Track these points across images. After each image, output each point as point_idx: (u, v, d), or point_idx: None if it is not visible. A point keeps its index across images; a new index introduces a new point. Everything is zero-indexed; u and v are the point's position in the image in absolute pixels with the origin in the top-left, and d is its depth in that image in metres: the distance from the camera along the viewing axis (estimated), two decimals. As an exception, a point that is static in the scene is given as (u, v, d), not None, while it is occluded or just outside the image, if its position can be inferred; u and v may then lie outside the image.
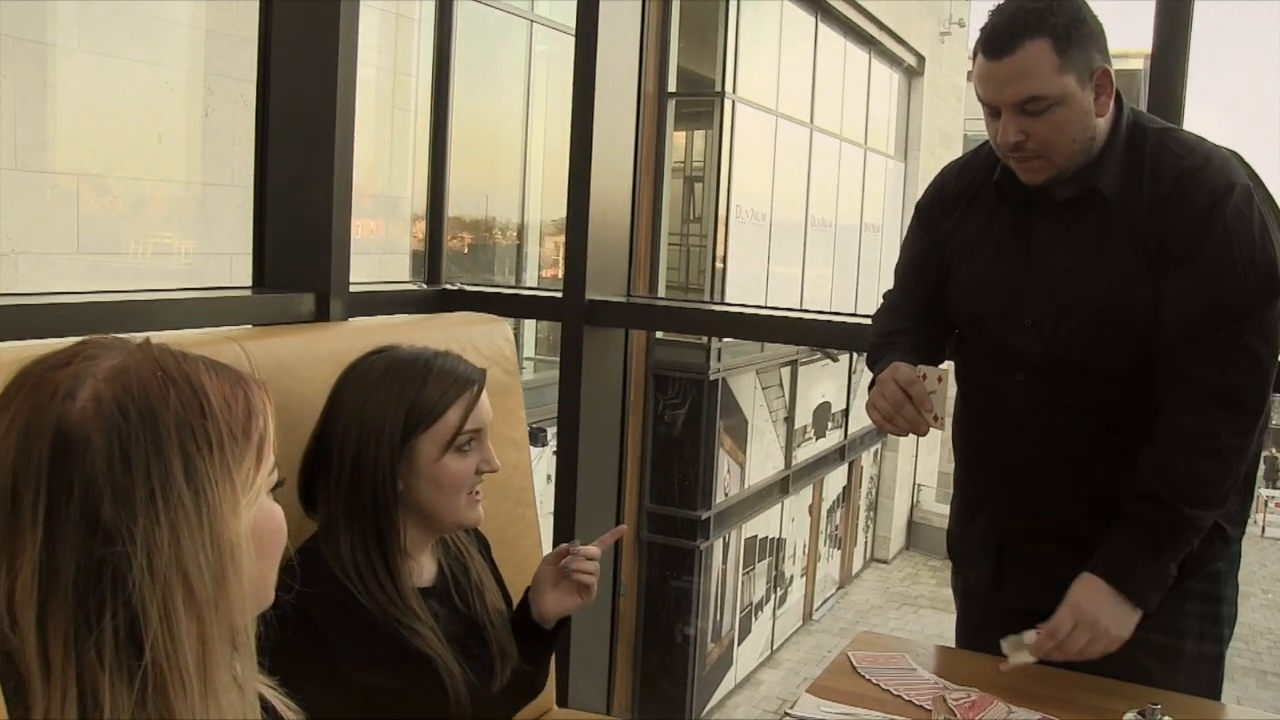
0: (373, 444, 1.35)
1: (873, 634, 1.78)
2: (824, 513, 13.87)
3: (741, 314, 2.69)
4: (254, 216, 2.27)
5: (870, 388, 1.70)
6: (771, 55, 11.12)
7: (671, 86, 9.82)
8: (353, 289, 2.29)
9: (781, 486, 12.20)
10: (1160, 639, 1.63)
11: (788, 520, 12.56)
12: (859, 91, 13.44)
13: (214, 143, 4.76)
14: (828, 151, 12.53)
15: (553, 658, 1.85)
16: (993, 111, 1.56)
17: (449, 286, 2.71)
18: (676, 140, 10.83)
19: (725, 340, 9.46)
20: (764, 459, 11.75)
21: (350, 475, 1.36)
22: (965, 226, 1.71)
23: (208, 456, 0.80)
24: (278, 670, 1.21)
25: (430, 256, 2.81)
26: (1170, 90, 1.89)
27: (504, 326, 2.04)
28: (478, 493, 1.42)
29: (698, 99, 10.44)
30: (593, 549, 1.49)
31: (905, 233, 1.84)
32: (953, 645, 1.84)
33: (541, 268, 8.82)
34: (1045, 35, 1.49)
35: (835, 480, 14.27)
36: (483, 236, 8.59)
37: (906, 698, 1.48)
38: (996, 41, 1.52)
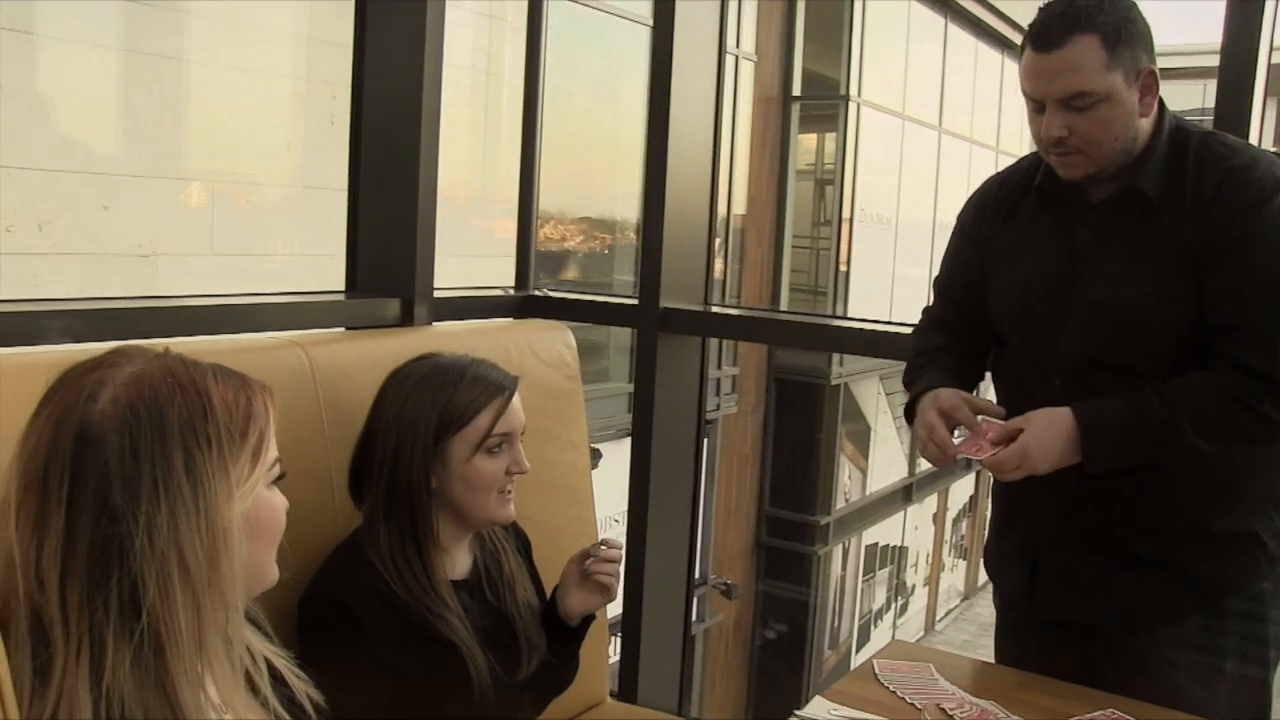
0: (409, 444, 1.45)
1: (905, 644, 1.80)
2: (949, 522, 13.60)
3: (821, 325, 2.71)
4: (347, 223, 2.41)
5: (906, 409, 1.73)
6: (899, 58, 10.97)
7: (796, 90, 9.79)
8: (439, 294, 2.39)
9: (904, 494, 12.04)
10: (1198, 659, 1.61)
11: (910, 528, 12.38)
12: (991, 94, 13.13)
13: (339, 150, 5.00)
14: (957, 155, 12.29)
15: (599, 653, 1.92)
16: (1037, 106, 1.57)
17: (535, 293, 2.80)
18: (807, 143, 10.80)
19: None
20: (886, 465, 11.61)
21: (389, 472, 1.46)
22: (1007, 233, 1.72)
23: (207, 452, 0.93)
24: (313, 648, 1.32)
25: (519, 261, 2.88)
26: (1237, 101, 1.85)
27: (566, 334, 2.12)
28: (509, 492, 1.51)
29: (824, 101, 10.40)
30: (614, 551, 1.56)
31: (947, 244, 1.85)
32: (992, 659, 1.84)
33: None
34: (1094, 31, 1.50)
35: (962, 489, 13.98)
36: (618, 238, 8.77)
37: (919, 706, 1.50)
38: (1045, 35, 1.52)
